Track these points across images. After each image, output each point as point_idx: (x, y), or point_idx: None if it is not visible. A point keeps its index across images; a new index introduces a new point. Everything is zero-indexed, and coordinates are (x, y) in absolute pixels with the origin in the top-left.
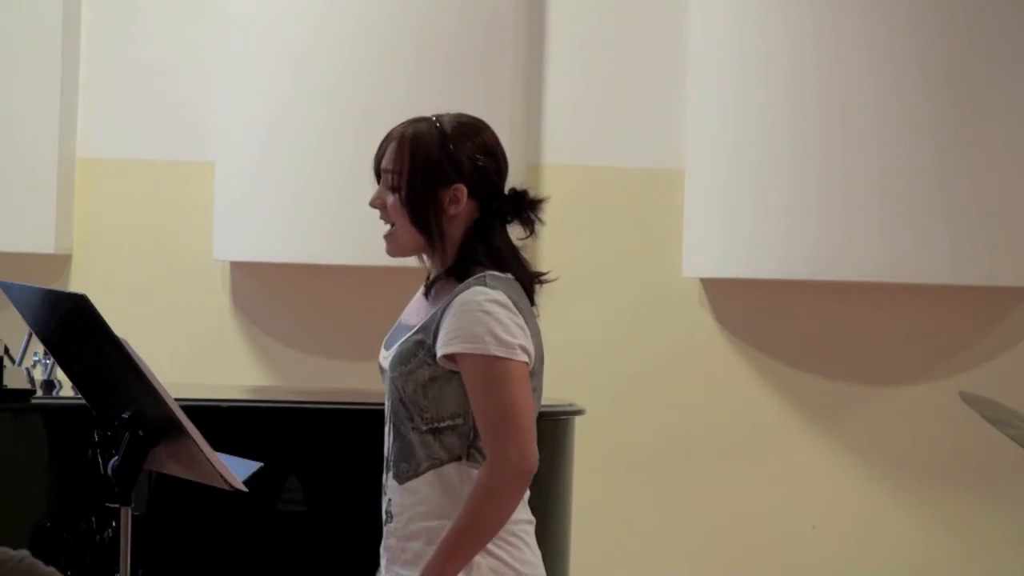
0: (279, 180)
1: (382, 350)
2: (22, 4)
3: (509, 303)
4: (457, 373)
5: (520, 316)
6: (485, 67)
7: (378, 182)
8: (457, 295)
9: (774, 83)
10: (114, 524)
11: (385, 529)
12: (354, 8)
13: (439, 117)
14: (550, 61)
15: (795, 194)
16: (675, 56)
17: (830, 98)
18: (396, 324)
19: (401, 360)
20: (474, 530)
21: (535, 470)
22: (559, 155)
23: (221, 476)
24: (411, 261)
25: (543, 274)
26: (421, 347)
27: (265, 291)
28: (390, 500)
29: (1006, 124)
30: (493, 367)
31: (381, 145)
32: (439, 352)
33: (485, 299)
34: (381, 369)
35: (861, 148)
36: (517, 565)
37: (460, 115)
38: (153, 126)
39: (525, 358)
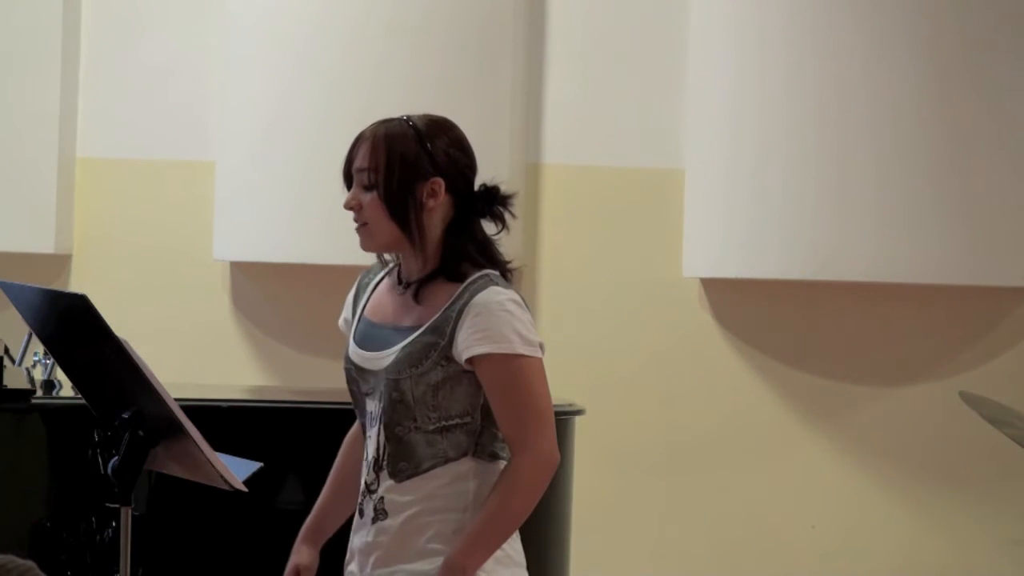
0: (279, 180)
1: (357, 349)
2: (22, 4)
3: (522, 301)
4: (467, 373)
5: (529, 312)
6: (485, 67)
7: (347, 187)
8: (467, 295)
9: (772, 84)
10: (114, 524)
11: (371, 528)
12: (353, 8)
13: (409, 117)
14: (550, 61)
15: (795, 194)
16: (675, 56)
17: (827, 99)
18: (362, 321)
19: (411, 362)
20: (505, 521)
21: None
22: (559, 155)
23: (221, 476)
24: None
25: (509, 262)
26: (434, 349)
27: (265, 291)
28: (381, 498)
29: (1002, 124)
30: (521, 365)
31: (352, 147)
32: (465, 355)
33: (506, 299)
34: (356, 368)
35: (860, 148)
36: (512, 553)
37: (428, 114)
38: (153, 126)
39: (542, 354)
